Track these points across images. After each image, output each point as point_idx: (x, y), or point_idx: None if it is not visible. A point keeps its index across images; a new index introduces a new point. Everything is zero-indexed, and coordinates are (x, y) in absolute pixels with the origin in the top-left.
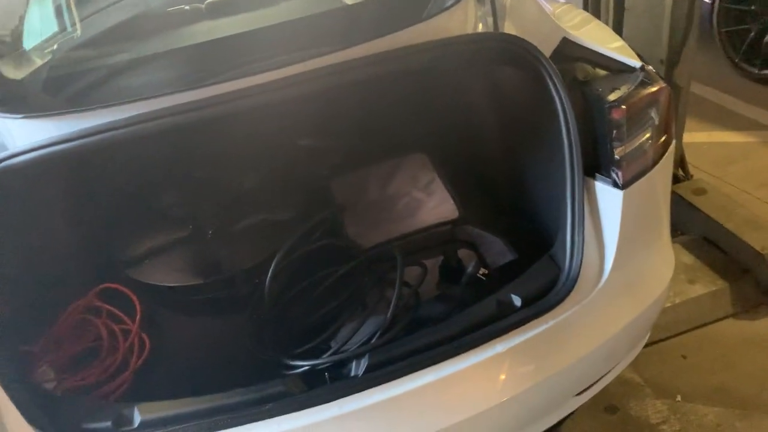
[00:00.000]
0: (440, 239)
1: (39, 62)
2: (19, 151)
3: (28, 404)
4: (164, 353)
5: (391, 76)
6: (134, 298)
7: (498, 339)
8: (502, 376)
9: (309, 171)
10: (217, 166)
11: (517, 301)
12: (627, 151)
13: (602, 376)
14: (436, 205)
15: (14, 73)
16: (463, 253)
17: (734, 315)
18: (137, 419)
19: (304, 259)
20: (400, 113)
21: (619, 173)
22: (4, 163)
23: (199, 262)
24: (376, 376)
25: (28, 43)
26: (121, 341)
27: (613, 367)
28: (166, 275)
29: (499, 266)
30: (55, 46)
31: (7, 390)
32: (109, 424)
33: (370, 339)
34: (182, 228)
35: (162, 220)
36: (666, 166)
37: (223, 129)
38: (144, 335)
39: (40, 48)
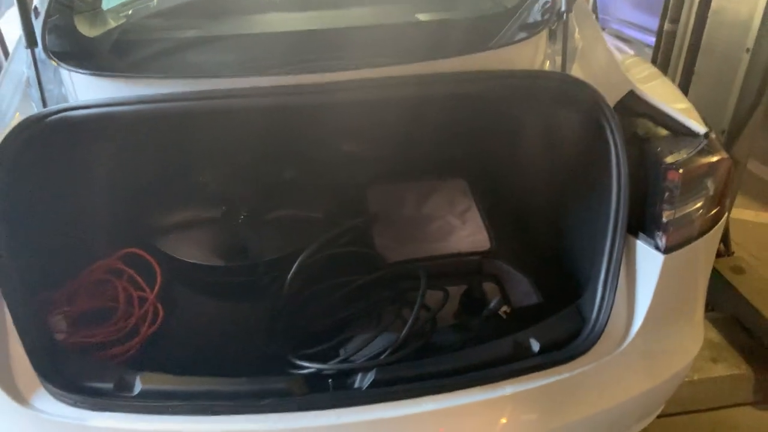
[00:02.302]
0: (467, 268)
1: (112, 24)
2: (82, 105)
3: (35, 348)
4: (175, 328)
5: (450, 98)
6: (156, 267)
7: (508, 381)
8: (503, 420)
9: (349, 175)
10: (260, 153)
11: (536, 346)
12: (676, 216)
13: None
14: (469, 233)
15: (88, 30)
16: (487, 286)
17: (753, 404)
18: (138, 387)
19: (328, 261)
20: (450, 135)
21: (664, 237)
22: (64, 114)
23: (224, 244)
24: (379, 393)
25: (107, 4)
26: (136, 307)
27: None
28: (190, 251)
29: (522, 306)
30: (130, 12)
31: (19, 329)
32: (110, 386)
33: (379, 354)
34: (214, 208)
35: (197, 197)
36: (713, 239)
37: (276, 119)
38: (159, 306)
39: (116, 11)
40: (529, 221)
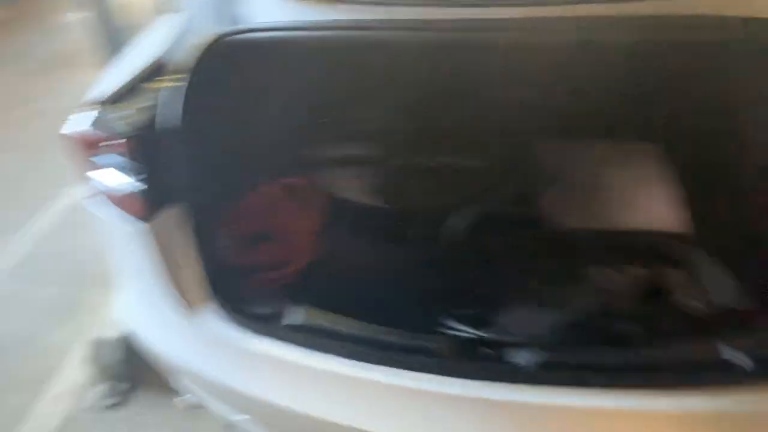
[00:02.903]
0: (653, 250)
1: None
2: (268, 27)
3: (208, 262)
4: (329, 264)
5: (680, 47)
6: (315, 199)
7: (704, 393)
8: None
9: (520, 126)
10: (430, 92)
11: (747, 360)
12: None
13: None
14: (658, 209)
15: None
16: (677, 275)
17: None
18: (302, 319)
19: (488, 219)
20: (654, 91)
21: None
22: (250, 34)
23: (385, 186)
24: (539, 375)
25: None
26: (293, 236)
27: None
28: (352, 188)
29: (722, 306)
30: None
31: (198, 241)
32: (274, 312)
33: (547, 332)
34: (378, 147)
35: (359, 134)
36: None
37: (460, 57)
38: (314, 238)
39: None
40: (738, 204)
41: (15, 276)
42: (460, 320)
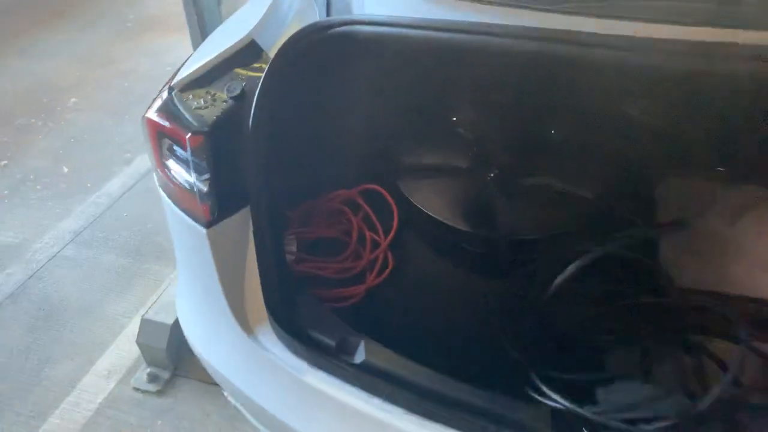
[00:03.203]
0: None
1: None
2: (371, 21)
3: (269, 278)
4: (401, 283)
5: None
6: (395, 210)
7: None
8: None
9: (638, 154)
10: (533, 104)
11: None
12: None
13: None
14: None
15: None
16: None
17: None
18: (360, 356)
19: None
20: None
21: None
22: (350, 27)
23: (475, 207)
24: None
25: None
26: (367, 250)
27: None
28: (431, 200)
29: None
30: None
31: (258, 253)
32: (333, 344)
33: (661, 417)
34: (465, 157)
35: (449, 142)
36: None
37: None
38: (390, 255)
39: None
40: None
41: (81, 240)
42: (556, 386)
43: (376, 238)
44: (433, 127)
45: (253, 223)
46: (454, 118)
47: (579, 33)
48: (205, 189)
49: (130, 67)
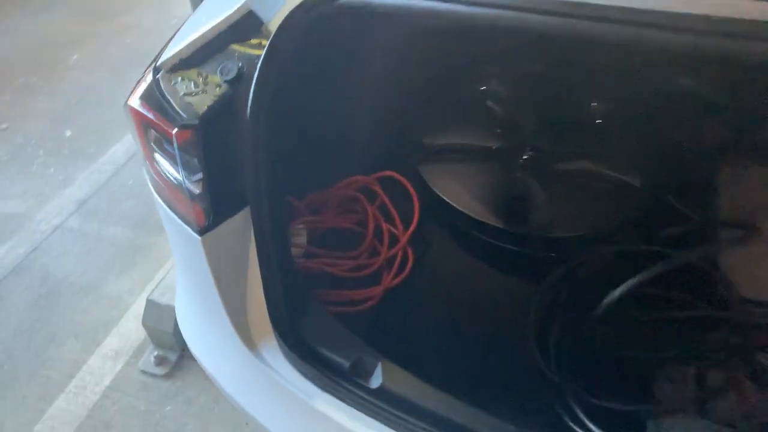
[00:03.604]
0: None
1: None
2: None
3: (274, 288)
4: (422, 287)
5: None
6: (415, 202)
7: None
8: None
9: (695, 138)
10: (574, 83)
11: None
12: None
13: None
14: None
15: None
16: None
17: None
18: (377, 380)
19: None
20: None
21: None
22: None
23: (501, 195)
24: None
25: None
26: (384, 245)
27: None
28: (454, 189)
29: None
30: None
31: (261, 260)
32: (346, 365)
33: None
34: (494, 136)
35: (476, 118)
36: None
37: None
38: (410, 251)
39: None
40: None
41: (85, 210)
42: (598, 416)
43: (395, 231)
44: (458, 102)
45: (255, 228)
46: (483, 88)
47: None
48: (197, 191)
49: (135, 21)
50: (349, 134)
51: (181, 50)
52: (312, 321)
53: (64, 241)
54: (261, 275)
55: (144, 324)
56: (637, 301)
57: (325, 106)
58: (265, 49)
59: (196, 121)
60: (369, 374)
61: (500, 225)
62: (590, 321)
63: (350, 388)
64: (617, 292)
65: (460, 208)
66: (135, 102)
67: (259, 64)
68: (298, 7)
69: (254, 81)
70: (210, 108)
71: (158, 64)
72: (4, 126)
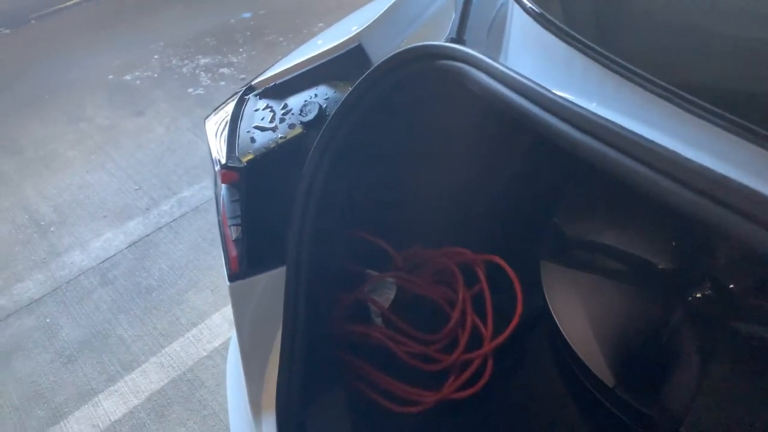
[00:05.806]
0: None
1: None
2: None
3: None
4: (490, 411)
5: None
6: (519, 307)
7: None
8: None
9: None
10: None
11: None
12: None
13: None
14: None
15: None
16: None
17: None
18: None
19: None
20: None
21: None
22: (462, 65)
23: (637, 341)
24: None
25: None
26: (460, 344)
27: None
28: (575, 312)
29: None
30: None
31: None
32: None
33: None
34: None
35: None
36: None
37: None
38: (490, 362)
39: None
40: None
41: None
42: None
43: (482, 330)
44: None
45: (286, 290)
46: None
47: None
48: (234, 235)
49: None
50: (463, 200)
51: (277, 74)
52: (322, 416)
53: None
54: (280, 352)
55: None
56: None
57: (436, 165)
58: (345, 96)
59: (242, 165)
60: None
61: (618, 389)
62: None
63: None
64: None
65: (573, 345)
66: (211, 121)
67: (334, 110)
68: (391, 57)
69: (324, 126)
70: (268, 151)
71: (254, 82)
72: (242, 76)
